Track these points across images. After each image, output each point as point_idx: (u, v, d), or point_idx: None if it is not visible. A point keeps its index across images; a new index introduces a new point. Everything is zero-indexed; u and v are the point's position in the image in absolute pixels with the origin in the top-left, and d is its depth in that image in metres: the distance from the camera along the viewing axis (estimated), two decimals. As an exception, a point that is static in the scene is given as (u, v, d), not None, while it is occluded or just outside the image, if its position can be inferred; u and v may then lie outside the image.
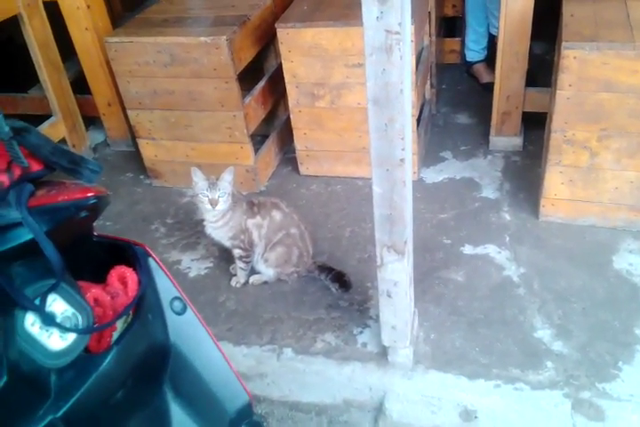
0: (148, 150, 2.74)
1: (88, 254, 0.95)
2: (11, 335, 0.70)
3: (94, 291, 0.89)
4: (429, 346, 1.92)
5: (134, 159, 2.98)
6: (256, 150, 2.68)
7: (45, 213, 0.77)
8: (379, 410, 1.85)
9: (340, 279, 2.12)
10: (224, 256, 2.34)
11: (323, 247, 2.34)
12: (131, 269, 0.94)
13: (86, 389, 0.78)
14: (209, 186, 1.94)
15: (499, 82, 2.72)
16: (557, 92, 2.11)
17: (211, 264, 2.34)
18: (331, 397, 1.91)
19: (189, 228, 2.54)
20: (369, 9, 1.24)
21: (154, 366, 0.96)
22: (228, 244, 2.12)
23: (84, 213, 0.82)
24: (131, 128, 2.79)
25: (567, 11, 2.23)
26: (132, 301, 0.89)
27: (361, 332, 1.99)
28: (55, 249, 0.75)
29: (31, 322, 0.74)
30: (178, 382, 0.99)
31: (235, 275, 2.22)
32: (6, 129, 0.74)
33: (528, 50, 2.62)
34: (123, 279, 0.92)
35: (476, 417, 1.78)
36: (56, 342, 0.76)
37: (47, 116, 2.88)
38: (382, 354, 1.89)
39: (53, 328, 0.76)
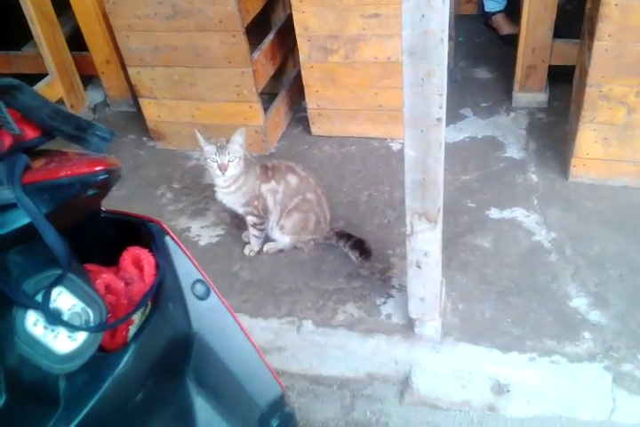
0: (150, 110, 2.58)
1: (96, 233, 0.82)
2: (8, 341, 0.58)
3: (105, 276, 0.77)
4: (458, 317, 1.82)
5: (136, 120, 2.82)
6: (265, 110, 2.53)
7: (44, 192, 0.63)
8: (404, 384, 1.76)
9: (360, 247, 2.00)
10: (235, 223, 2.22)
11: (339, 213, 2.21)
12: (146, 251, 0.81)
13: (101, 394, 0.66)
14: (217, 150, 1.80)
15: (524, 33, 2.53)
16: (595, 43, 1.94)
17: (222, 231, 2.22)
18: (353, 370, 1.82)
19: (197, 193, 2.41)
20: (407, -55, 1.07)
21: (175, 359, 0.84)
22: (240, 210, 1.99)
23: (91, 191, 0.68)
24: (131, 87, 2.63)
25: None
26: (151, 288, 0.76)
27: (384, 302, 1.89)
28: (57, 235, 0.62)
29: (33, 322, 0.62)
30: (202, 374, 0.88)
31: (248, 243, 2.10)
32: (-13, 85, 0.60)
33: (557, -2, 2.43)
34: (138, 262, 0.80)
35: (508, 391, 1.70)
36: (64, 343, 0.64)
37: (42, 76, 2.72)
38: (408, 326, 1.79)
39: (60, 327, 0.64)
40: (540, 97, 2.71)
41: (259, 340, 1.84)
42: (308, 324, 1.85)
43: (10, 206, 0.61)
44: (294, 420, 1.07)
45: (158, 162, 2.60)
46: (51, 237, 0.62)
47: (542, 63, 2.61)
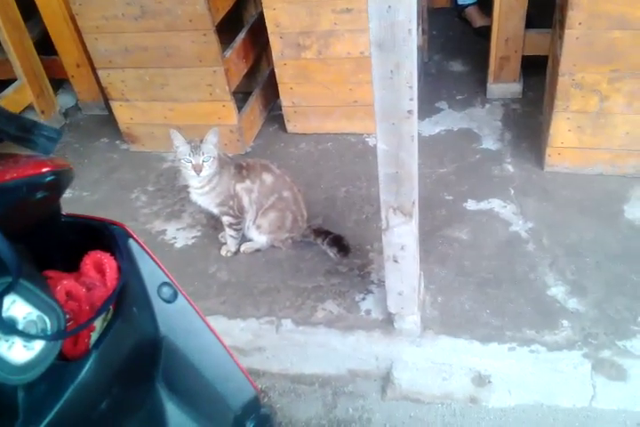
0: (122, 113, 2.55)
1: (56, 238, 0.80)
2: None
3: (66, 282, 0.75)
4: (437, 310, 1.82)
5: (109, 123, 2.79)
6: (239, 109, 2.51)
7: (-12, 195, 0.61)
8: (386, 379, 1.76)
9: (338, 243, 2.00)
10: (212, 224, 2.20)
11: (317, 210, 2.20)
12: (108, 255, 0.79)
13: (63, 404, 0.64)
14: (191, 150, 1.79)
15: (497, 24, 2.54)
16: (566, 31, 1.94)
17: (198, 233, 2.20)
18: (335, 368, 1.81)
19: (172, 195, 2.39)
20: (369, -64, 1.06)
21: (143, 364, 0.83)
22: (216, 211, 1.98)
23: (40, 194, 0.66)
24: (102, 90, 2.59)
25: (572, -60, 2.04)
26: (112, 293, 0.74)
27: (363, 298, 1.88)
28: (5, 240, 0.60)
29: (-16, 332, 0.60)
30: (172, 378, 0.87)
31: (225, 243, 2.09)
32: None
33: (528, -12, 2.44)
34: (100, 267, 0.78)
35: (489, 382, 1.70)
36: (20, 353, 0.62)
37: (11, 81, 2.68)
38: (388, 321, 1.79)
39: (15, 337, 0.62)
40: (515, 88, 2.72)
41: (238, 341, 1.85)
42: (288, 323, 1.84)
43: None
44: (271, 421, 1.05)
45: (132, 165, 2.58)
46: (-2, 243, 0.60)
47: (515, 54, 2.62)
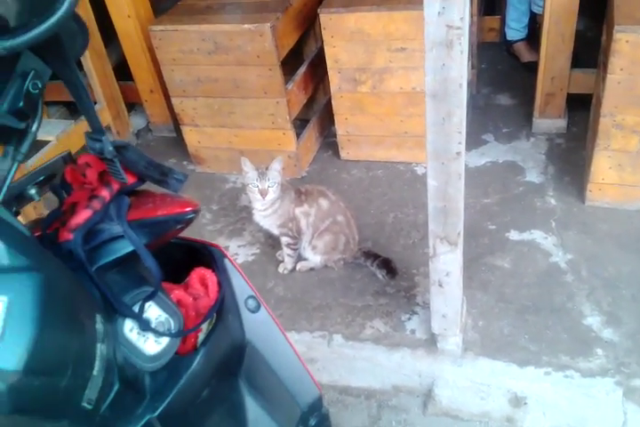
0: (191, 137, 2.76)
1: (167, 256, 0.98)
2: (116, 342, 0.74)
3: (177, 292, 0.93)
4: (478, 333, 1.94)
5: (177, 145, 3.01)
6: (297, 135, 2.69)
7: (145, 227, 0.80)
8: (428, 396, 1.88)
9: (387, 266, 2.14)
10: (270, 242, 2.37)
11: (366, 233, 2.35)
12: (210, 271, 0.97)
13: (178, 389, 0.82)
14: (259, 176, 1.97)
15: (543, 63, 2.67)
16: (608, 76, 2.07)
17: (257, 250, 2.38)
18: (380, 382, 1.95)
19: (234, 214, 2.57)
20: (430, 4, 1.23)
21: (232, 363, 0.99)
22: (276, 231, 2.15)
23: (179, 226, 0.85)
24: (173, 114, 2.81)
25: (618, -9, 2.17)
26: (215, 303, 0.92)
27: (409, 318, 2.02)
28: (154, 260, 0.78)
29: (130, 328, 0.78)
30: (252, 377, 1.03)
31: (282, 261, 2.26)
32: (110, 148, 0.77)
33: (574, 30, 2.56)
34: (203, 281, 0.95)
35: (525, 403, 1.81)
36: (152, 346, 0.80)
37: (91, 103, 2.91)
38: (431, 341, 1.92)
39: (149, 333, 0.80)
40: (559, 123, 2.83)
41: (292, 352, 2.01)
42: (338, 338, 1.99)
43: (118, 238, 0.79)
44: (329, 420, 1.21)
45: (198, 185, 2.78)
46: (150, 262, 0.78)
47: (561, 91, 2.73)
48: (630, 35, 1.97)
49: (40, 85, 0.68)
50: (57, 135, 2.61)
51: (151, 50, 2.66)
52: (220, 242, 2.42)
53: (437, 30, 1.26)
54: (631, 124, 2.14)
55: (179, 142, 2.95)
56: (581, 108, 2.74)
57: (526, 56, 3.34)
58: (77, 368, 0.62)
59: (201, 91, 2.58)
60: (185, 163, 2.93)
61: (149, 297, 0.79)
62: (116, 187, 0.81)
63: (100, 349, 0.67)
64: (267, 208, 2.06)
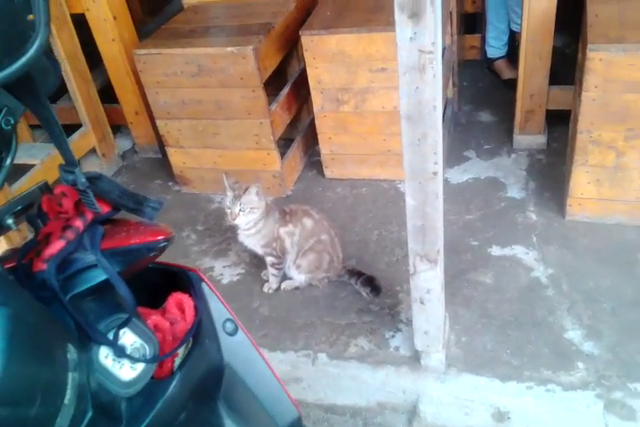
0: (176, 158, 2.79)
1: (145, 281, 1.00)
2: (90, 369, 0.75)
3: (154, 317, 0.94)
4: (461, 349, 1.96)
5: (162, 166, 3.04)
6: (281, 155, 2.73)
7: (118, 255, 0.83)
8: (412, 412, 1.89)
9: (371, 284, 2.16)
10: (255, 262, 2.39)
11: (351, 251, 2.37)
12: (187, 296, 0.98)
13: (155, 414, 0.83)
14: (233, 198, 1.99)
15: (522, 81, 2.73)
16: (583, 93, 2.12)
17: (242, 271, 2.40)
18: (365, 400, 1.96)
19: (219, 234, 2.59)
20: (402, 30, 1.27)
21: (210, 386, 1.01)
22: (260, 251, 2.17)
23: (153, 254, 0.87)
24: (158, 135, 2.84)
25: (591, 11, 2.23)
26: (192, 327, 0.94)
27: (393, 336, 2.04)
28: (127, 288, 0.80)
29: (105, 355, 0.80)
30: (231, 399, 1.04)
31: (267, 281, 2.27)
32: (83, 180, 0.80)
33: (551, 49, 2.63)
34: (180, 306, 0.97)
35: (508, 418, 1.82)
36: (127, 372, 0.81)
37: (76, 126, 2.94)
38: (415, 358, 1.93)
39: (124, 360, 0.81)
40: (540, 139, 2.88)
41: (277, 371, 2.01)
42: (323, 356, 2.00)
43: (92, 267, 0.81)
44: (310, 441, 1.22)
45: (183, 205, 2.80)
46: (123, 290, 0.80)
47: (540, 108, 2.79)
48: (603, 53, 2.02)
49: (12, 122, 0.70)
50: (42, 159, 2.63)
51: (135, 73, 2.69)
52: (206, 262, 2.44)
53: (410, 55, 1.30)
54: (607, 140, 2.18)
55: (164, 163, 2.98)
56: (561, 124, 2.80)
57: (507, 73, 3.41)
58: (47, 398, 0.64)
59: (185, 113, 2.61)
60: (170, 184, 2.96)
61: (124, 324, 0.81)
62: (90, 216, 0.83)
63: (72, 377, 0.68)
64: (250, 227, 2.08)
